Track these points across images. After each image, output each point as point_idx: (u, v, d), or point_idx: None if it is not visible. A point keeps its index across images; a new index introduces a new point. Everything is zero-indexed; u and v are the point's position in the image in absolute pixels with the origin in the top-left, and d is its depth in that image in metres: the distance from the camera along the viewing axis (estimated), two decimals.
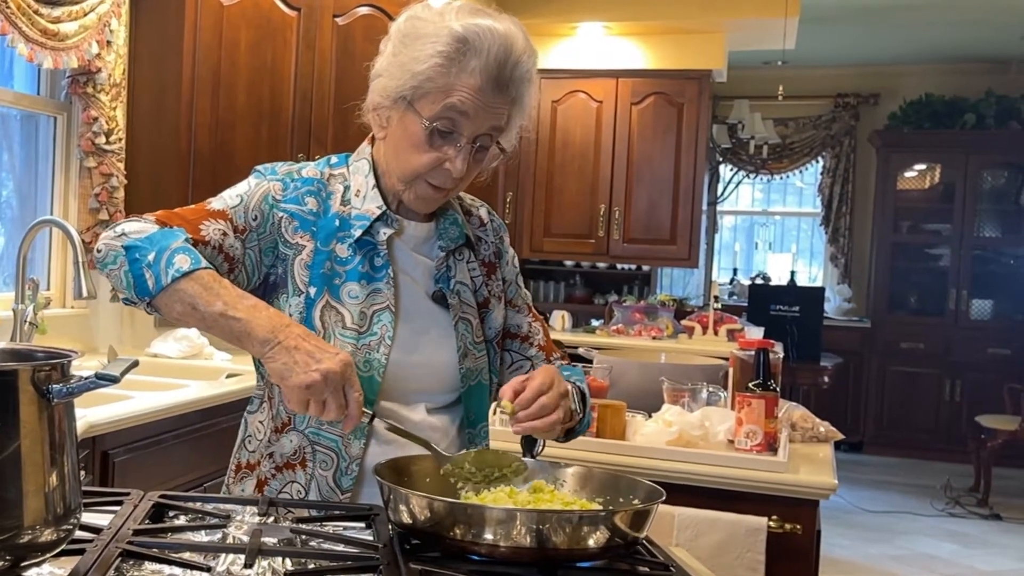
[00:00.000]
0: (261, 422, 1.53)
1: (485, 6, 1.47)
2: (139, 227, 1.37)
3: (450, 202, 1.58)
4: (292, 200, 1.48)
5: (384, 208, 1.50)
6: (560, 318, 5.49)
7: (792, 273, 7.55)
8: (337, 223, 1.49)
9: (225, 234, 1.43)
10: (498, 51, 1.39)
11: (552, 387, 1.44)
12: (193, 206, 1.47)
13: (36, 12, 2.79)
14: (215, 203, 1.47)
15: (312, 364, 1.26)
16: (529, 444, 1.54)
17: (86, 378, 1.04)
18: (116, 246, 1.35)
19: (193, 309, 1.31)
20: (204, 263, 1.33)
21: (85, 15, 3.00)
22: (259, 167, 1.54)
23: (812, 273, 8.64)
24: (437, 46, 1.39)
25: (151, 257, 1.32)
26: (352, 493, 1.46)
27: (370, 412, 1.35)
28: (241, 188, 1.49)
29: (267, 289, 1.49)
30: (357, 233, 1.48)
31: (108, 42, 3.16)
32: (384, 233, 1.50)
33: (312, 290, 1.46)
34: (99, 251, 1.38)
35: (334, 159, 1.57)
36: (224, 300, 1.31)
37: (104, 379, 1.04)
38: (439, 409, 1.54)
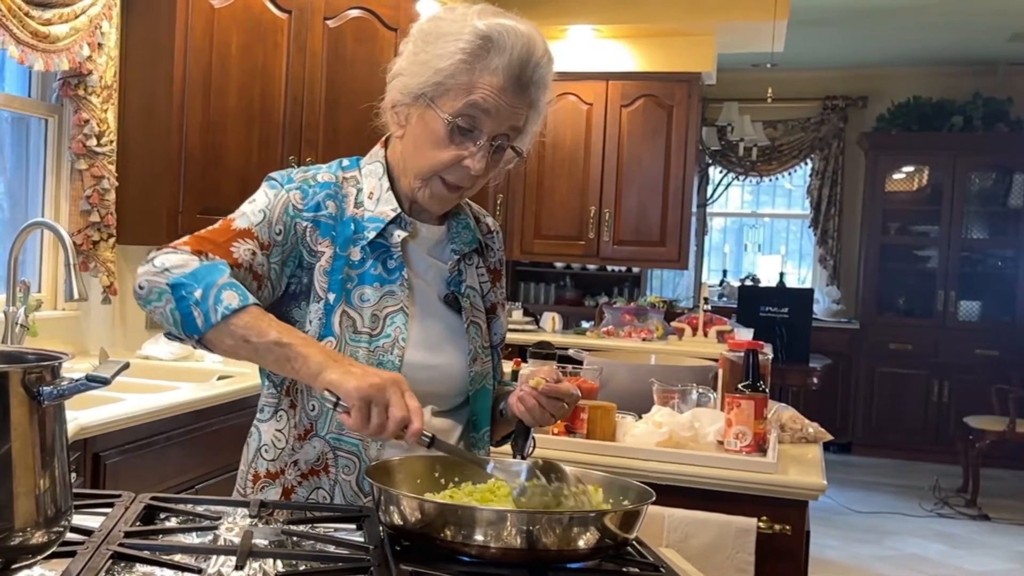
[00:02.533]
0: (280, 430, 1.51)
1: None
2: (179, 260, 1.35)
3: (461, 206, 1.59)
4: (312, 207, 1.47)
5: (399, 211, 1.50)
6: (550, 319, 5.49)
7: (781, 275, 7.57)
8: (352, 227, 1.48)
9: (254, 253, 1.41)
10: (521, 51, 1.40)
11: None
12: (218, 226, 1.44)
13: (27, 14, 2.78)
14: (239, 221, 1.44)
15: (370, 372, 1.26)
16: (521, 444, 1.55)
17: (77, 380, 1.04)
18: (160, 283, 1.33)
19: (245, 342, 1.30)
20: (252, 299, 1.32)
21: (76, 17, 3.00)
22: (273, 175, 1.52)
23: (801, 275, 8.66)
24: (460, 43, 1.40)
25: (198, 294, 1.30)
26: None
27: (430, 434, 1.28)
28: (261, 202, 1.47)
29: (286, 299, 1.48)
30: (370, 235, 1.48)
31: (99, 44, 3.16)
32: (398, 236, 1.49)
33: (331, 296, 1.45)
34: (141, 287, 1.35)
35: (345, 162, 1.57)
36: (277, 330, 1.31)
37: (95, 381, 1.04)
38: (445, 412, 1.54)
